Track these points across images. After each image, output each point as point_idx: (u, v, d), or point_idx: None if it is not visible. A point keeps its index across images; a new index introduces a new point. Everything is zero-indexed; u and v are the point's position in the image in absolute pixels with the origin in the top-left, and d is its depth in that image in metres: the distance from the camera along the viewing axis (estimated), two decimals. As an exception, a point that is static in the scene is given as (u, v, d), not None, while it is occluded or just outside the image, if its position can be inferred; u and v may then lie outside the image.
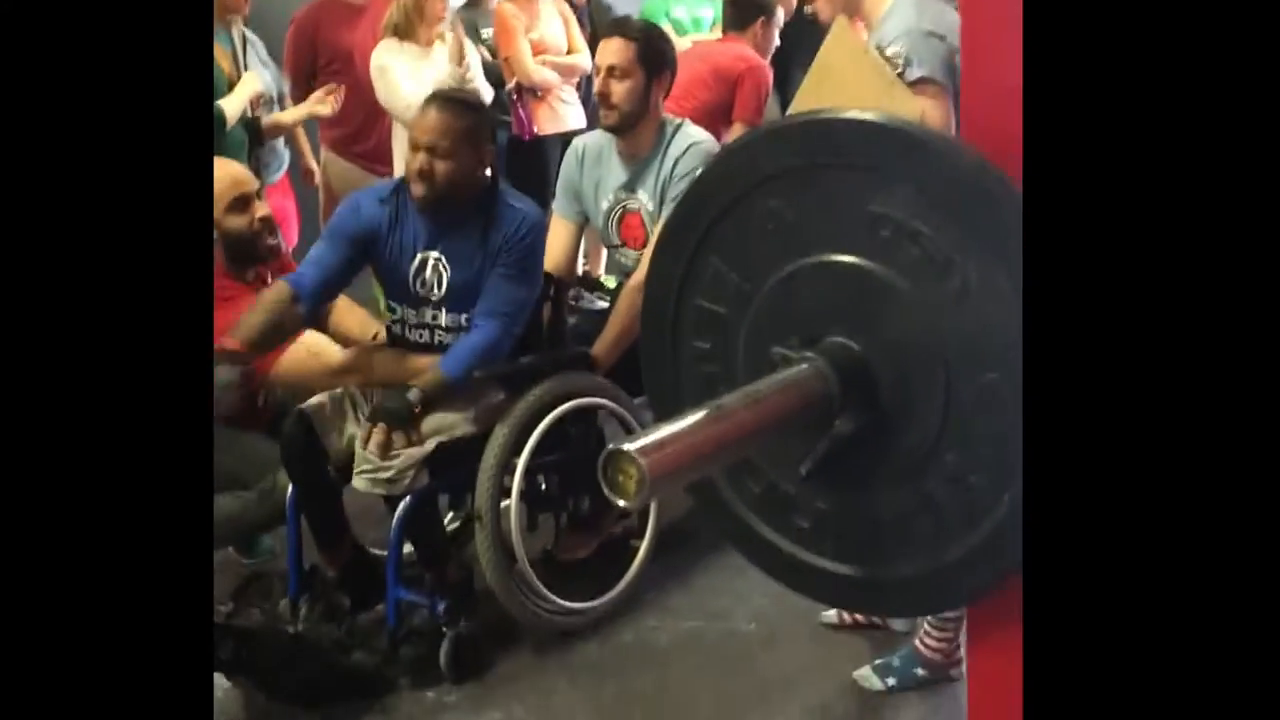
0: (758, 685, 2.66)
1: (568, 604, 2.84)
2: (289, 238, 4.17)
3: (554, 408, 2.79)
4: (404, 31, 4.23)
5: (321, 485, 2.74)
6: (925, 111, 2.25)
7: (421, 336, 2.81)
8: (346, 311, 3.03)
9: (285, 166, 4.33)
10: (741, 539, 1.38)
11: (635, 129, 3.11)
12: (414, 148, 2.69)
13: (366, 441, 2.57)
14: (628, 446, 1.05)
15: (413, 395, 2.60)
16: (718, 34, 4.89)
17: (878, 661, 2.61)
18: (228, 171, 2.95)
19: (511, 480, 2.73)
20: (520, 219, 2.73)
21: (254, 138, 3.95)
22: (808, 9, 2.76)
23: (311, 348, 2.84)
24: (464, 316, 2.74)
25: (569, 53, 4.88)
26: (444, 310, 2.76)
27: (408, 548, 2.76)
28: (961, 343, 1.16)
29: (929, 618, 2.51)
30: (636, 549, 3.00)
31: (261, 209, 2.97)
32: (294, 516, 2.78)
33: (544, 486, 3.03)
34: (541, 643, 2.83)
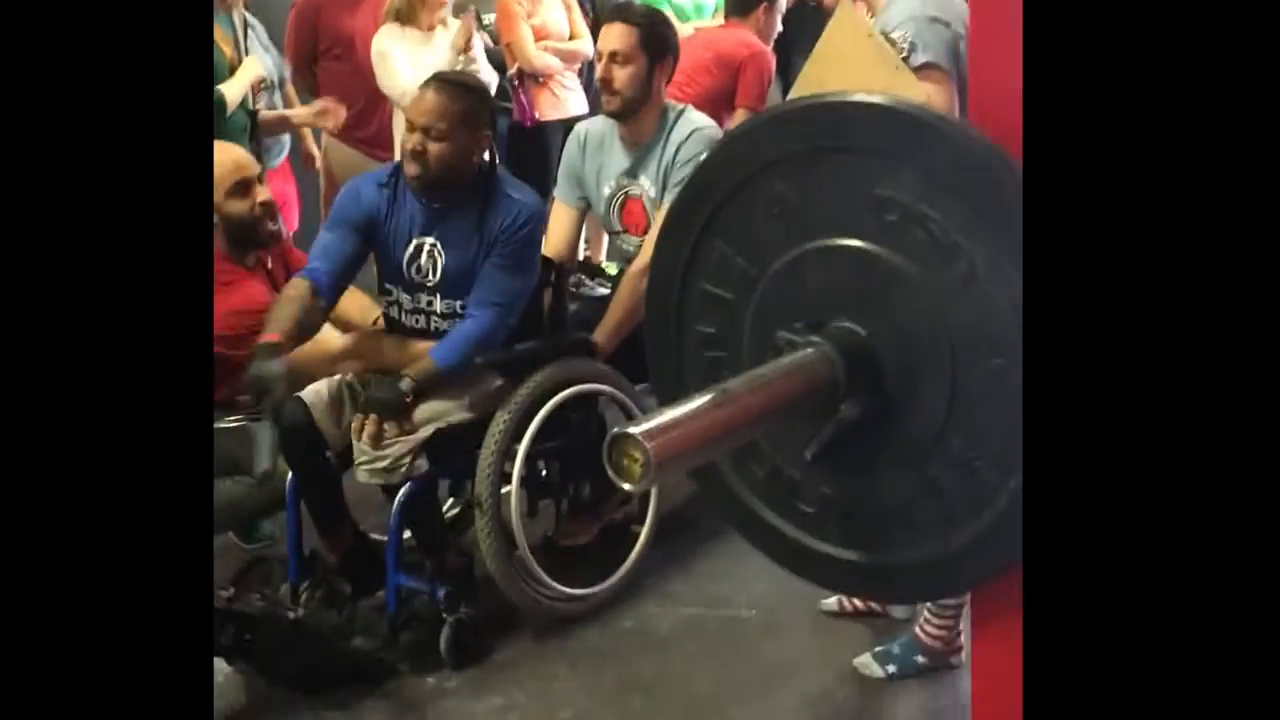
0: (758, 672, 2.66)
1: (568, 590, 2.84)
2: (290, 223, 4.17)
3: (555, 394, 2.79)
4: (405, 17, 4.22)
5: (321, 472, 2.74)
6: (930, 97, 2.25)
7: (417, 322, 2.80)
8: (348, 297, 3.02)
9: (286, 151, 4.32)
10: (745, 524, 1.38)
11: (637, 115, 3.10)
12: (410, 128, 2.69)
13: (360, 433, 2.57)
14: (633, 430, 1.05)
15: (404, 385, 2.60)
16: (720, 20, 4.87)
17: (878, 649, 2.61)
18: (229, 156, 2.94)
19: (512, 467, 2.72)
20: (518, 209, 2.71)
21: (253, 131, 3.94)
22: (810, -5, 2.75)
23: (311, 333, 2.84)
24: (459, 303, 2.73)
25: (571, 38, 4.86)
26: (439, 296, 2.75)
27: (408, 534, 2.76)
28: (967, 327, 1.16)
29: (929, 605, 2.51)
30: (637, 535, 3.00)
31: (262, 193, 2.96)
32: (294, 502, 2.78)
33: (544, 473, 3.03)
34: (542, 629, 2.83)
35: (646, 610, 2.91)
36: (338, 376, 2.77)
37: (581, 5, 5.03)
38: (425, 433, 2.63)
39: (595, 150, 3.23)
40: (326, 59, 4.42)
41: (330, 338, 2.87)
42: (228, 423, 2.69)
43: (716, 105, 3.92)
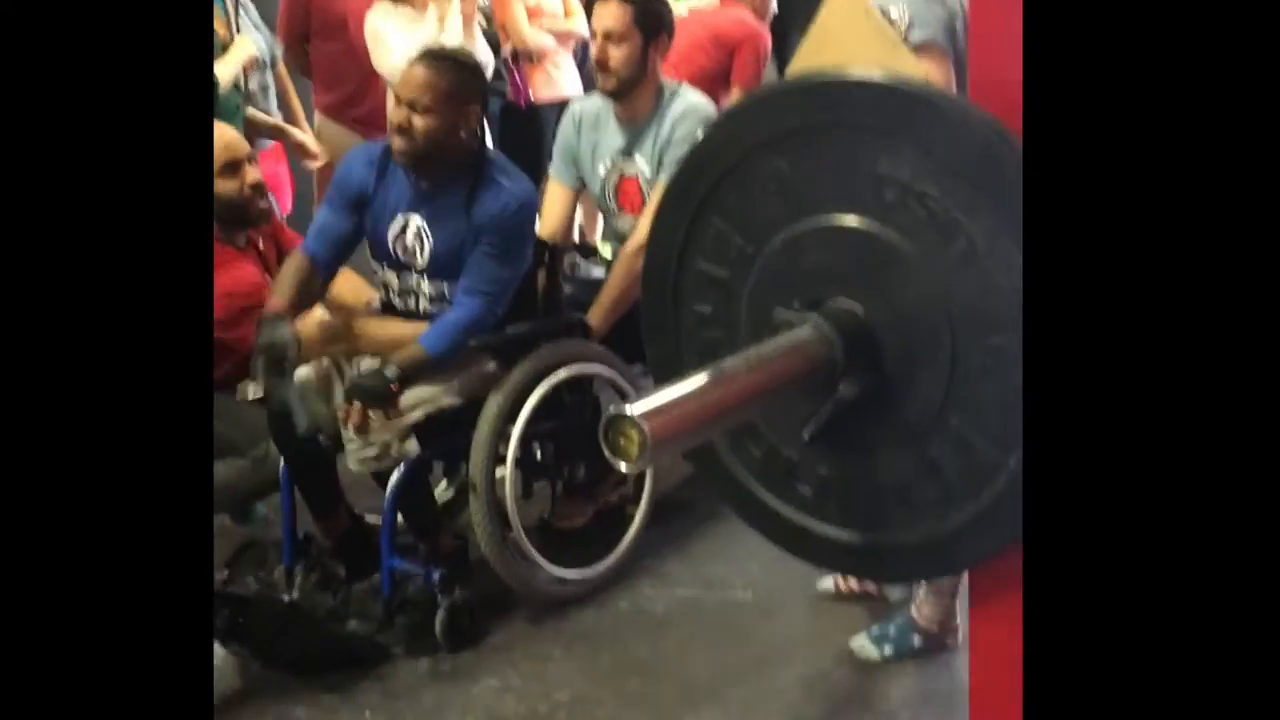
0: (754, 653, 2.66)
1: (563, 572, 2.84)
2: (283, 203, 4.14)
3: (549, 375, 2.78)
4: (398, -2, 4.18)
5: (312, 455, 2.72)
6: (927, 74, 2.23)
7: (407, 303, 2.79)
8: (341, 279, 3.00)
9: (278, 132, 4.28)
10: (743, 505, 1.37)
11: (633, 93, 3.08)
12: (396, 102, 2.68)
13: (346, 420, 2.56)
14: (630, 410, 1.04)
15: (389, 372, 2.58)
16: (714, 1, 4.85)
17: (874, 630, 2.61)
18: (219, 136, 2.92)
19: (506, 449, 2.71)
20: (507, 197, 2.68)
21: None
22: (808, -26, 2.72)
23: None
24: (447, 286, 2.72)
25: (565, 18, 4.83)
26: (427, 278, 2.74)
27: (402, 517, 2.76)
28: (966, 305, 1.15)
29: (925, 587, 2.51)
30: (632, 516, 3.00)
31: (253, 174, 2.95)
32: (288, 485, 2.77)
33: (539, 455, 3.02)
34: (537, 611, 2.82)
35: (642, 592, 2.90)
36: (326, 359, 2.75)
37: (575, -16, 5.00)
38: (412, 419, 2.62)
39: (590, 129, 3.21)
40: (319, 38, 4.39)
41: (320, 320, 2.85)
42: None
43: (712, 85, 3.91)
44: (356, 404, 2.55)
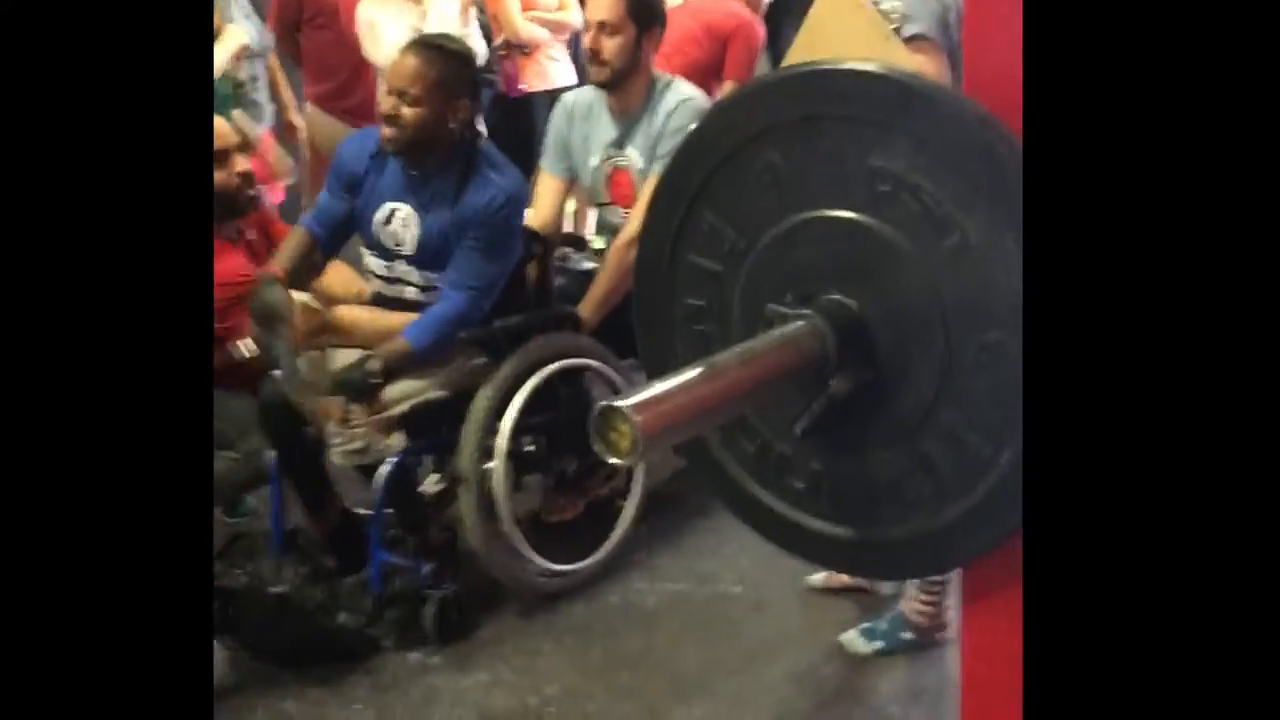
0: (744, 648, 2.66)
1: (553, 566, 2.83)
2: (273, 193, 4.12)
3: (540, 368, 2.77)
4: (389, -13, 4.17)
5: (301, 449, 2.72)
6: (921, 68, 2.22)
7: (393, 291, 2.78)
8: (332, 271, 3.00)
9: (269, 121, 4.27)
10: (734, 500, 1.36)
11: (626, 85, 3.07)
12: (386, 91, 2.68)
13: (328, 414, 2.55)
14: (621, 403, 1.03)
15: (372, 365, 2.58)
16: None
17: (864, 625, 2.61)
18: (207, 125, 2.90)
19: (496, 441, 2.70)
20: (495, 191, 2.67)
21: (237, 100, 3.90)
22: (801, -35, 2.71)
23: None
24: (435, 276, 2.71)
25: (559, 9, 4.82)
26: (415, 267, 2.73)
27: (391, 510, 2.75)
28: (961, 300, 1.14)
29: (916, 582, 2.51)
30: (623, 510, 2.99)
31: (241, 163, 2.93)
32: (277, 477, 2.76)
33: (530, 448, 3.00)
34: (527, 605, 2.82)
35: (633, 586, 2.90)
36: (315, 351, 2.74)
37: (568, -25, 4.98)
38: (395, 412, 2.61)
39: (582, 120, 3.19)
40: (310, 28, 4.38)
41: (310, 311, 2.84)
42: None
43: (705, 76, 3.89)
44: (338, 398, 2.54)
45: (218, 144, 2.86)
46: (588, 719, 2.46)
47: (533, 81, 4.73)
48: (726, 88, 4.14)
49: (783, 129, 1.25)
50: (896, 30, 2.32)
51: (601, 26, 3.02)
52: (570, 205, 3.64)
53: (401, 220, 2.71)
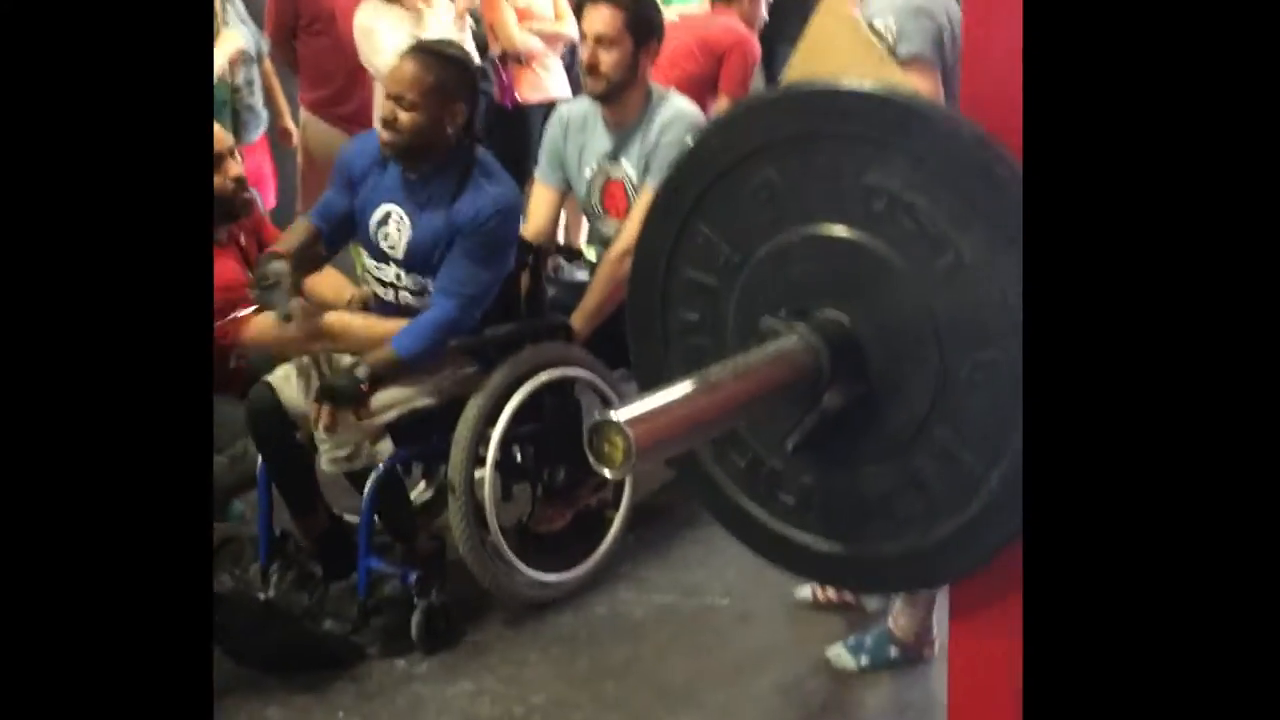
0: (731, 661, 2.66)
1: (541, 575, 2.83)
2: (266, 198, 4.13)
3: (531, 378, 2.77)
4: (388, -5, 4.17)
5: (290, 455, 2.72)
6: (914, 88, 2.23)
7: (387, 295, 2.78)
8: (323, 276, 3.00)
9: (264, 126, 4.27)
10: (725, 513, 1.36)
11: (622, 98, 3.08)
12: (385, 95, 2.71)
13: (317, 421, 2.55)
14: (615, 416, 1.03)
15: (360, 372, 2.58)
16: (705, 6, 4.85)
17: (850, 640, 2.61)
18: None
19: (486, 450, 2.70)
20: (486, 199, 2.67)
21: (233, 105, 3.90)
22: (798, -20, 2.73)
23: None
24: (426, 280, 2.71)
25: (555, 20, 4.83)
26: (405, 271, 2.73)
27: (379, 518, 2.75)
28: (954, 318, 1.15)
29: (902, 598, 2.52)
30: (611, 521, 2.99)
31: (234, 168, 2.94)
32: (265, 482, 2.76)
33: (519, 457, 3.01)
34: (514, 614, 2.81)
35: (620, 596, 2.90)
36: (306, 358, 2.74)
37: (565, -13, 4.99)
38: (384, 419, 2.61)
39: (577, 131, 3.20)
40: (307, 34, 4.37)
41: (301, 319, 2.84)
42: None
43: (700, 91, 3.90)
44: (326, 405, 2.54)
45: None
46: (573, 729, 2.46)
47: (527, 92, 4.73)
48: (721, 102, 4.15)
49: (780, 146, 1.26)
50: (891, 50, 2.33)
51: (599, 40, 3.03)
52: (561, 216, 3.64)
53: (395, 223, 2.72)
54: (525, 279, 2.96)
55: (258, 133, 4.20)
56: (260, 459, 2.74)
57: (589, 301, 3.08)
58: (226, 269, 2.87)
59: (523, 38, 4.68)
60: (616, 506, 3.00)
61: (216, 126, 3.12)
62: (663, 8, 3.54)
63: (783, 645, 2.70)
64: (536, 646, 2.72)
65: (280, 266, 2.63)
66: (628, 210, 3.13)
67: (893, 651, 2.56)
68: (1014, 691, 1.00)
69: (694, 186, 1.33)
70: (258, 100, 4.19)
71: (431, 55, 2.72)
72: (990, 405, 1.12)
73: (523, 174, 3.92)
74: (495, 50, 4.68)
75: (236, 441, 2.81)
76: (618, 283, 3.01)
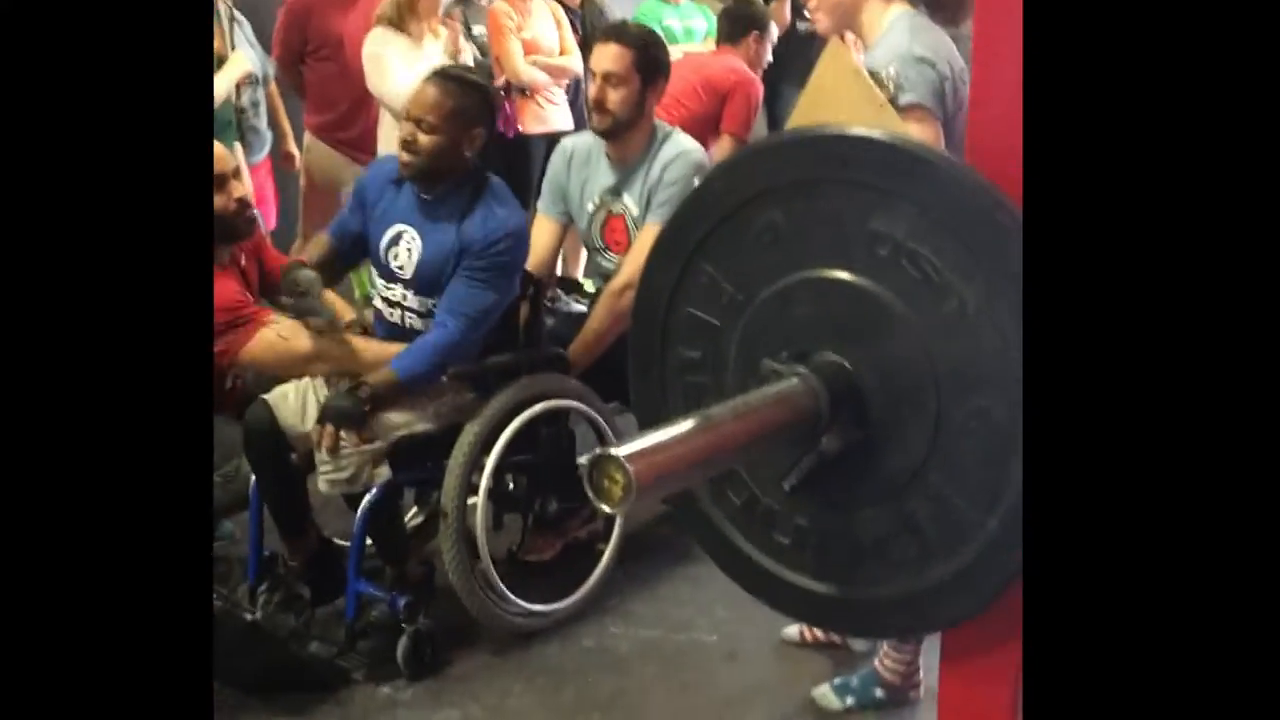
0: (716, 698, 2.65)
1: (529, 605, 2.83)
2: (267, 220, 4.14)
3: (527, 408, 2.78)
4: (396, 25, 4.21)
5: (284, 475, 2.72)
6: (914, 136, 2.26)
7: (393, 315, 2.80)
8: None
9: (267, 149, 4.30)
10: (719, 550, 1.38)
11: (627, 135, 3.10)
12: (405, 118, 2.75)
13: (320, 443, 2.56)
14: (616, 452, 1.04)
15: (362, 393, 2.59)
16: (709, 45, 4.90)
17: (837, 681, 2.61)
18: (209, 150, 2.92)
19: (480, 478, 2.71)
20: (496, 223, 2.70)
21: (239, 126, 3.92)
22: (802, 26, 2.77)
23: (282, 332, 2.82)
24: (431, 302, 2.73)
25: (560, 54, 4.87)
26: (412, 291, 2.75)
27: (370, 541, 2.75)
28: (954, 366, 1.16)
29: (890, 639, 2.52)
30: (601, 554, 2.99)
31: (239, 188, 2.95)
32: (256, 503, 2.76)
33: (511, 486, 3.01)
34: (500, 643, 2.81)
35: (607, 629, 2.90)
36: (305, 379, 2.75)
37: (572, 22, 5.04)
38: (383, 443, 2.62)
39: (581, 165, 3.23)
40: (314, 59, 4.41)
41: (300, 338, 2.85)
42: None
43: (702, 129, 3.94)
44: (329, 426, 2.55)
45: (216, 168, 2.86)
46: (556, 761, 2.46)
47: (530, 124, 4.77)
48: (724, 141, 4.19)
49: (785, 190, 1.28)
50: (893, 98, 2.35)
51: (607, 78, 3.06)
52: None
53: (406, 242, 2.75)
54: (524, 309, 2.98)
55: (261, 154, 4.23)
56: (253, 478, 2.74)
57: (588, 334, 3.09)
58: (228, 289, 2.88)
59: (527, 70, 4.73)
60: (607, 539, 3.00)
61: (223, 147, 3.14)
62: (668, 46, 3.59)
63: (769, 684, 2.70)
64: (522, 677, 2.71)
65: (311, 275, 2.69)
66: (628, 245, 3.15)
67: (879, 693, 2.56)
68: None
69: (699, 226, 1.35)
70: (262, 122, 4.22)
71: (453, 81, 2.76)
72: (986, 452, 1.14)
73: (523, 205, 3.95)
74: (500, 81, 4.72)
75: (230, 461, 2.81)
76: (616, 317, 3.03)
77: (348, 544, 2.72)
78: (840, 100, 1.63)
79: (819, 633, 2.77)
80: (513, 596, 2.79)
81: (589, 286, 3.46)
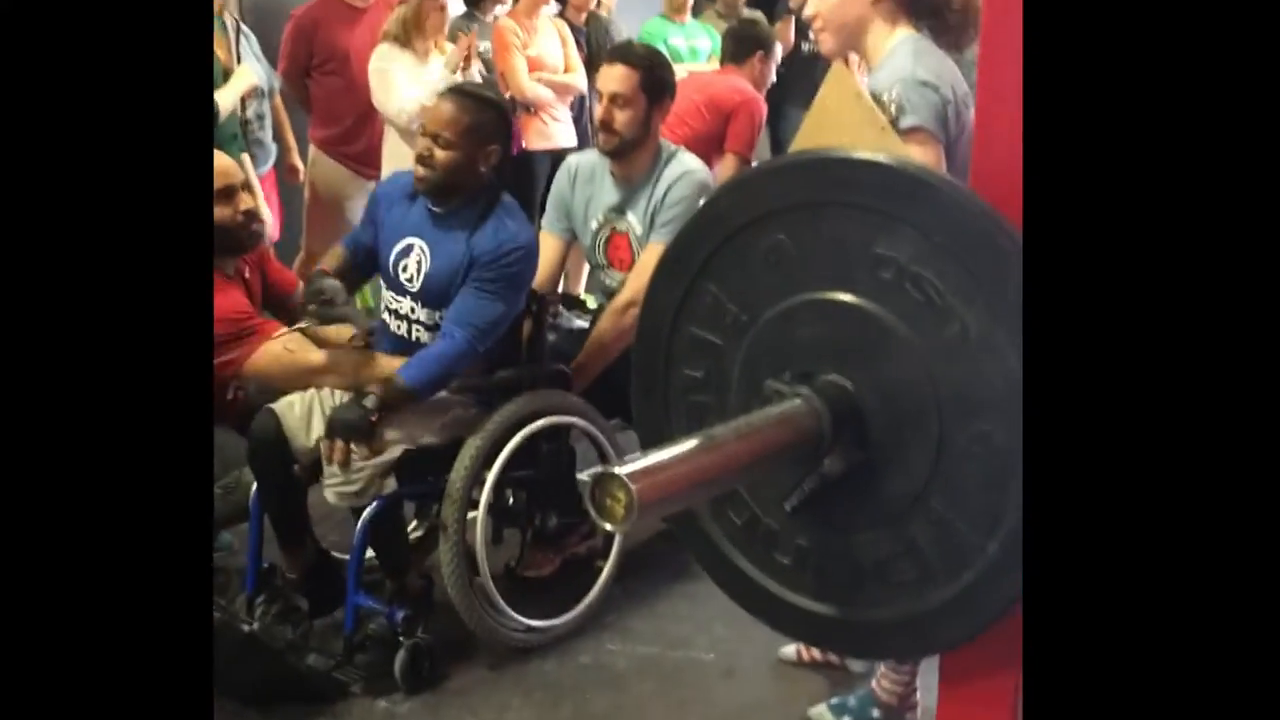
0: (713, 715, 2.65)
1: (527, 621, 2.83)
2: (270, 233, 4.15)
3: (528, 423, 2.79)
4: (402, 42, 4.24)
5: (286, 485, 2.72)
6: (915, 159, 2.27)
7: (400, 328, 2.81)
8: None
9: (272, 162, 4.31)
10: (719, 570, 1.38)
11: (632, 154, 3.12)
12: (422, 133, 2.77)
13: (330, 457, 2.56)
14: (619, 470, 1.05)
15: (369, 403, 2.59)
16: (714, 65, 4.93)
17: (834, 701, 2.61)
18: (216, 163, 2.93)
19: (480, 493, 2.72)
20: (507, 235, 2.72)
21: (244, 139, 3.94)
22: (806, 46, 2.78)
23: (288, 344, 2.83)
24: (439, 314, 2.74)
25: (565, 71, 4.90)
26: (420, 304, 2.76)
27: (370, 554, 2.75)
28: (956, 390, 1.17)
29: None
30: (600, 570, 3.00)
31: (246, 201, 2.96)
32: (257, 514, 2.76)
33: (511, 501, 3.02)
34: (498, 658, 2.81)
35: (605, 646, 2.90)
36: (311, 391, 2.76)
37: (577, 40, 5.08)
38: (394, 454, 2.62)
39: (585, 183, 3.24)
40: (320, 73, 4.43)
41: (306, 350, 2.86)
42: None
43: (706, 148, 3.96)
44: (339, 441, 2.55)
45: (225, 181, 2.88)
46: (552, 778, 2.46)
47: (534, 141, 4.79)
48: (727, 160, 4.21)
49: (790, 212, 1.28)
50: (894, 120, 2.37)
51: (614, 99, 3.07)
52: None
53: (416, 255, 2.77)
54: (527, 325, 2.99)
55: (265, 167, 4.25)
56: (255, 489, 2.75)
57: (589, 351, 3.10)
58: (234, 300, 2.89)
59: (532, 87, 4.75)
60: (606, 556, 3.01)
61: (232, 160, 3.15)
62: (673, 65, 3.61)
63: (766, 703, 2.70)
64: (519, 692, 2.71)
65: (335, 283, 2.72)
66: (631, 263, 3.16)
67: (876, 713, 2.56)
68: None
69: (703, 246, 1.36)
70: (267, 135, 4.24)
71: (469, 97, 2.79)
72: (987, 476, 1.15)
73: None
74: (505, 98, 4.75)
75: (230, 473, 2.81)
76: (618, 334, 3.05)
77: (345, 557, 2.72)
78: (843, 123, 1.65)
79: (816, 652, 2.77)
80: (511, 611, 2.79)
81: (591, 303, 3.47)
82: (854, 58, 2.70)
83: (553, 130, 4.86)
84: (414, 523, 3.19)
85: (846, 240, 1.24)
